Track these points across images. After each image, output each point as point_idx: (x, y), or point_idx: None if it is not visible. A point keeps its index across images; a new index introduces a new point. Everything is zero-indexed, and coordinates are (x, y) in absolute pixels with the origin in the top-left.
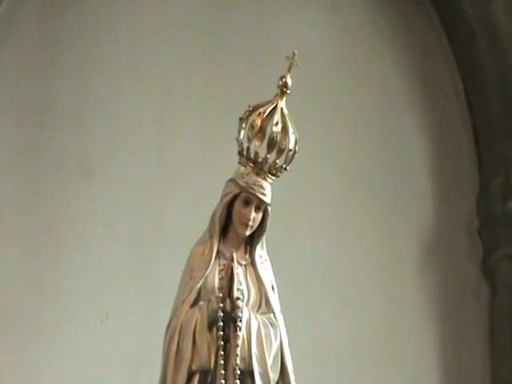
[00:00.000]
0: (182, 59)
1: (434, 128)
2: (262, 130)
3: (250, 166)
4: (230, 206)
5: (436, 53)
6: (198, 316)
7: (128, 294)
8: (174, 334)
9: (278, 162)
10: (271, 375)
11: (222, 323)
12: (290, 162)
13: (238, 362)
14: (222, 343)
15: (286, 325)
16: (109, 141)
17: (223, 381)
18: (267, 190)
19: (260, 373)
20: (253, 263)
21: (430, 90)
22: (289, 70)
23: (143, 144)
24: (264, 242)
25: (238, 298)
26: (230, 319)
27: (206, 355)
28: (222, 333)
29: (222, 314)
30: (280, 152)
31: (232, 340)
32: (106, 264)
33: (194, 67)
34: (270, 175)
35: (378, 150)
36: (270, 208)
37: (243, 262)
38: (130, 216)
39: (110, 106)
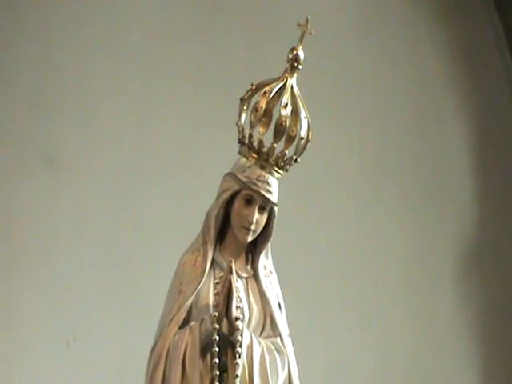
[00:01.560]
0: (167, 28)
1: (477, 115)
2: (268, 113)
3: (253, 158)
4: (228, 206)
5: (481, 24)
6: (189, 339)
7: (99, 313)
8: (159, 360)
9: (286, 152)
10: None
11: (217, 348)
12: (302, 152)
13: None
14: (218, 373)
15: (295, 351)
16: (78, 127)
17: None
18: (273, 186)
19: None
20: (255, 276)
21: (473, 68)
22: (300, 41)
23: (120, 132)
24: (269, 250)
25: (237, 318)
26: (228, 344)
27: None
28: (217, 360)
29: (217, 338)
30: (289, 140)
31: (230, 369)
32: (74, 276)
33: (183, 38)
34: (276, 168)
35: (407, 141)
36: (276, 208)
37: (244, 275)
38: (103, 218)
39: (80, 85)
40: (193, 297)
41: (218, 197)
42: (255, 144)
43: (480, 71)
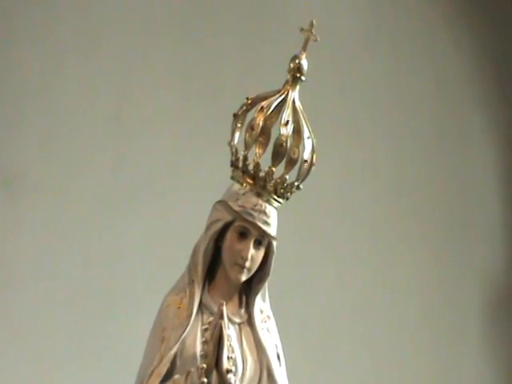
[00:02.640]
0: (148, 28)
1: (508, 132)
2: (266, 131)
3: (248, 183)
4: (218, 239)
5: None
6: None
7: (67, 361)
8: None
9: (287, 177)
10: None
11: None
12: (305, 177)
13: None
14: None
15: None
16: (44, 143)
17: None
18: (272, 217)
19: None
20: (250, 321)
21: (502, 77)
22: (304, 48)
23: (93, 149)
24: (266, 292)
25: (228, 371)
26: None
27: None
28: None
29: None
30: (291, 163)
31: None
32: (37, 318)
33: (167, 40)
34: (275, 196)
35: (427, 161)
36: (275, 243)
37: (237, 320)
38: (72, 250)
39: (46, 93)
40: (177, 345)
41: (208, 228)
42: (251, 168)
43: (510, 81)
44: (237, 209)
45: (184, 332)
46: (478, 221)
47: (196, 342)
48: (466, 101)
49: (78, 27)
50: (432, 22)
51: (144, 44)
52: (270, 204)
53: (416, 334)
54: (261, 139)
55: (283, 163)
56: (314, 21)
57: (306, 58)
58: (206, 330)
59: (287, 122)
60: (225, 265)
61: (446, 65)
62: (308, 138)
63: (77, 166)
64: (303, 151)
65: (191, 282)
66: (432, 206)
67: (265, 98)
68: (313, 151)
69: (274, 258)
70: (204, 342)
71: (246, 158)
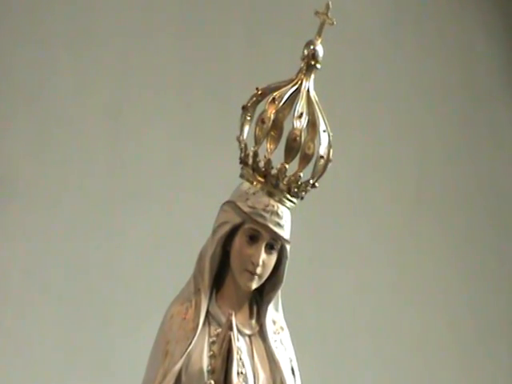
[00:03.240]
0: (148, 18)
1: None
2: (278, 125)
3: (259, 182)
4: (226, 244)
5: None
6: None
7: (62, 379)
8: None
9: (301, 175)
10: None
11: None
12: (321, 175)
13: None
14: None
15: None
16: (36, 144)
17: None
18: (285, 218)
19: None
20: (262, 333)
21: None
22: (319, 33)
23: (89, 150)
24: (279, 301)
25: None
26: None
27: None
28: None
29: None
30: (305, 160)
31: None
32: (29, 334)
33: (168, 31)
34: (289, 196)
35: (453, 156)
36: (288, 247)
37: (247, 332)
38: (66, 258)
39: (38, 91)
40: (182, 360)
41: (215, 232)
42: (261, 165)
43: None
44: (246, 210)
45: (190, 345)
46: (510, 225)
47: (203, 356)
48: (496, 91)
49: (72, 20)
50: (460, 4)
51: (143, 34)
52: (283, 204)
53: (441, 345)
54: (272, 133)
55: (297, 159)
56: (330, 3)
57: (322, 43)
58: (213, 342)
59: (301, 114)
60: (234, 271)
61: (475, 55)
62: (324, 131)
63: (72, 167)
64: (319, 146)
65: (197, 291)
66: (459, 207)
67: (277, 89)
68: (329, 146)
69: (287, 263)
70: (211, 356)
71: (256, 154)
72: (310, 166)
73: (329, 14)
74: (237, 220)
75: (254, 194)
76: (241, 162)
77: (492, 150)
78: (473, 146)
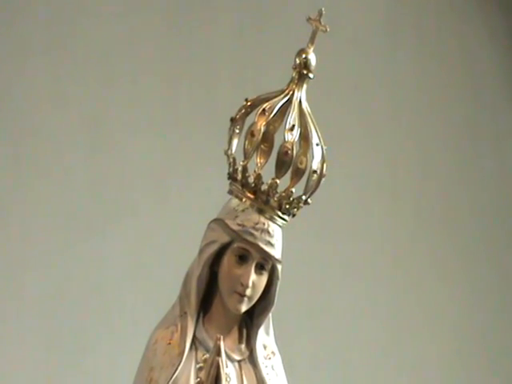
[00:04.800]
0: (132, 18)
1: None
2: (268, 138)
3: (249, 198)
4: (214, 264)
5: None
6: None
7: None
8: None
9: (293, 190)
10: None
11: None
12: (314, 190)
13: None
14: None
15: None
16: (11, 156)
17: None
18: (276, 236)
19: None
20: (252, 358)
21: None
22: (312, 41)
23: (66, 161)
24: (271, 324)
25: None
26: None
27: None
28: None
29: None
30: (297, 175)
31: None
32: (6, 360)
33: (153, 35)
34: (280, 213)
35: (458, 168)
36: (280, 267)
37: (236, 357)
38: (41, 277)
39: (9, 97)
40: None
41: (201, 252)
42: (251, 180)
43: None
44: (235, 228)
45: (175, 372)
46: None
47: (189, 383)
48: (500, 100)
49: (50, 26)
50: (462, 7)
51: (125, 42)
52: (274, 222)
53: (448, 375)
54: (262, 147)
55: (288, 174)
56: (323, 9)
57: (314, 51)
58: (200, 368)
59: (293, 126)
60: (222, 293)
61: (480, 61)
62: (317, 144)
63: (48, 181)
64: (311, 160)
65: (183, 314)
66: (460, 221)
67: (267, 100)
68: (323, 160)
69: (278, 284)
70: (199, 383)
71: (245, 169)
72: (303, 181)
73: (321, 21)
74: (225, 239)
75: (243, 211)
76: (229, 178)
77: (495, 162)
78: (475, 158)
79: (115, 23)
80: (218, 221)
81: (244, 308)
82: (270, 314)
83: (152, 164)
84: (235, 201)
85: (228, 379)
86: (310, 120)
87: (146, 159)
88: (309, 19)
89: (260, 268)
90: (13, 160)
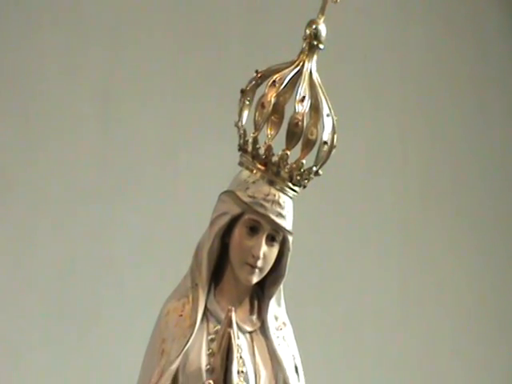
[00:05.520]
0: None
1: None
2: (279, 109)
3: (259, 170)
4: (225, 236)
5: None
6: None
7: None
8: None
9: (304, 161)
10: None
11: None
12: (325, 161)
13: None
14: None
15: None
16: (20, 131)
17: None
18: (287, 208)
19: None
20: (264, 329)
21: None
22: (322, 11)
23: (77, 135)
24: (282, 295)
25: None
26: None
27: None
28: None
29: None
30: (308, 146)
31: None
32: (11, 336)
33: (160, 17)
34: (291, 184)
35: (468, 141)
36: (291, 238)
37: (248, 328)
38: (52, 256)
39: (22, 75)
40: (179, 359)
41: (212, 223)
42: (262, 151)
43: None
44: (246, 199)
45: (187, 343)
46: None
47: (201, 355)
48: (510, 63)
49: (60, 0)
50: None
51: (134, 17)
52: (285, 193)
53: (459, 346)
54: (273, 118)
55: (299, 145)
56: None
57: (325, 22)
58: (212, 340)
59: (303, 97)
60: (233, 265)
61: (491, 33)
62: (328, 115)
63: (57, 157)
64: (322, 131)
65: (194, 286)
66: (474, 191)
67: (277, 71)
68: (333, 131)
69: (289, 255)
70: (210, 355)
71: (255, 141)
72: (313, 152)
73: None
74: (236, 210)
75: (253, 182)
76: (240, 149)
77: (505, 130)
78: (485, 126)
79: (126, 4)
80: (229, 192)
81: (255, 279)
82: (281, 286)
83: (162, 136)
84: (246, 172)
85: (239, 350)
86: (320, 91)
87: (156, 131)
88: None
89: (271, 239)
90: (23, 132)
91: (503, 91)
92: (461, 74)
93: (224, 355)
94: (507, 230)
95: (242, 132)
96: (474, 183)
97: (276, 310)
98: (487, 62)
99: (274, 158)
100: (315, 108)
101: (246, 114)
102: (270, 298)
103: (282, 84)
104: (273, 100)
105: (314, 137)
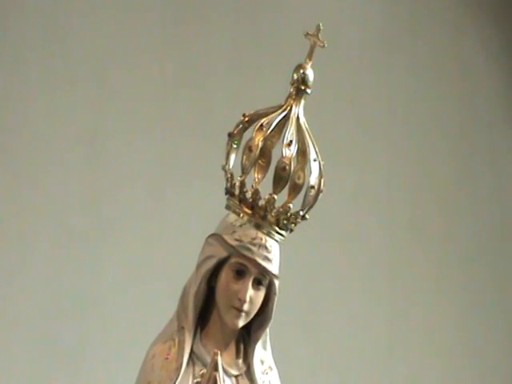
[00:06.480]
0: (126, 41)
1: None
2: (266, 153)
3: (246, 214)
4: (212, 279)
5: None
6: None
7: None
8: None
9: (291, 206)
10: None
11: None
12: (312, 206)
13: None
14: None
15: None
16: (5, 174)
17: None
18: (273, 252)
19: None
20: (249, 373)
21: None
22: (309, 56)
23: (64, 174)
24: (268, 339)
25: None
26: None
27: None
28: None
29: None
30: (295, 190)
31: None
32: None
33: (148, 46)
34: (277, 228)
35: (456, 186)
36: (277, 282)
37: (234, 372)
38: (38, 288)
39: (5, 116)
40: None
41: (199, 266)
42: (249, 195)
43: None
44: (233, 243)
45: None
46: None
47: None
48: (496, 119)
49: (45, 40)
50: (456, 24)
51: (122, 48)
52: (272, 237)
53: None
54: (260, 162)
55: (286, 189)
56: (321, 24)
57: (312, 67)
58: (198, 383)
59: (290, 141)
60: (219, 308)
61: (477, 78)
62: (315, 160)
63: (45, 193)
64: (309, 175)
65: (180, 329)
66: (460, 233)
67: (265, 115)
68: (320, 175)
69: (276, 299)
70: None
71: (243, 184)
72: (300, 196)
73: (319, 36)
74: (223, 254)
75: (240, 226)
76: (226, 193)
77: (491, 174)
78: (471, 170)
79: (112, 33)
80: (216, 236)
81: (241, 323)
82: (268, 329)
83: (149, 176)
84: (233, 216)
85: None
86: (307, 135)
87: (144, 171)
88: (307, 34)
89: (257, 283)
90: (9, 172)
91: (491, 134)
92: (448, 116)
93: None
94: (496, 270)
95: (229, 175)
96: (461, 223)
97: (262, 353)
98: (474, 105)
99: (261, 202)
100: (302, 152)
101: (233, 157)
102: (256, 342)
103: (269, 128)
104: (260, 144)
105: (301, 181)
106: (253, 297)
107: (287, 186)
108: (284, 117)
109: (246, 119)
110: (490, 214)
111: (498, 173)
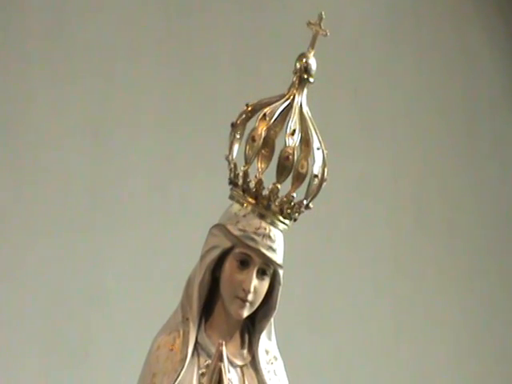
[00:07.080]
0: (130, 27)
1: None
2: (269, 143)
3: (250, 203)
4: (216, 270)
5: None
6: None
7: None
8: None
9: (294, 195)
10: None
11: None
12: (316, 195)
13: None
14: None
15: None
16: (11, 168)
17: None
18: (277, 241)
19: None
20: (254, 363)
21: None
22: (312, 45)
23: (68, 169)
24: (272, 329)
25: None
26: None
27: None
28: None
29: None
30: (298, 179)
31: None
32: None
33: (152, 39)
34: (281, 217)
35: (459, 171)
36: (282, 272)
37: (239, 362)
38: (41, 290)
39: (11, 110)
40: None
41: (203, 257)
42: (252, 185)
43: None
44: (237, 233)
45: (178, 378)
46: None
47: None
48: (499, 110)
49: (50, 36)
50: (460, 14)
51: (127, 42)
52: (275, 226)
53: (441, 366)
54: (263, 152)
55: (290, 179)
56: (323, 13)
57: (315, 56)
58: (203, 374)
59: (294, 131)
60: (224, 299)
61: (481, 67)
62: (318, 149)
63: (49, 186)
64: (312, 164)
65: (185, 320)
66: (466, 226)
67: (267, 104)
68: (324, 164)
69: (280, 289)
70: None
71: (246, 174)
72: (304, 185)
73: (322, 25)
74: (227, 244)
75: (244, 216)
76: (230, 183)
77: (495, 165)
78: (475, 161)
79: (116, 26)
80: (220, 226)
81: (246, 313)
82: (272, 319)
83: (153, 169)
84: (236, 206)
85: None
86: (310, 124)
87: (147, 164)
88: (309, 23)
89: (261, 273)
90: (13, 164)
91: (495, 124)
92: (452, 106)
93: None
94: (501, 263)
95: (232, 166)
96: (466, 214)
97: (267, 343)
98: (478, 95)
99: (265, 192)
100: (306, 141)
101: (236, 147)
102: (260, 332)
103: (272, 118)
104: (263, 133)
105: (304, 170)
106: (257, 287)
107: (291, 176)
108: (287, 106)
109: (249, 109)
110: (495, 204)
111: (503, 164)
